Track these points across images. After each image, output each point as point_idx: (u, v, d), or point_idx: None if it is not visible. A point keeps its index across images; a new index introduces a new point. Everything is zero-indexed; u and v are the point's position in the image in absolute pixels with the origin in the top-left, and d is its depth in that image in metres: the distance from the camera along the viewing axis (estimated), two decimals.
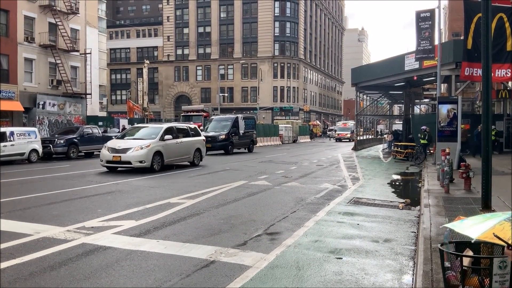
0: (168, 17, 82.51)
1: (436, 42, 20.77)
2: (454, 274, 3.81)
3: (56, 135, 27.09)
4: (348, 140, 55.75)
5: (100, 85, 60.59)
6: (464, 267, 3.63)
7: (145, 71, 50.39)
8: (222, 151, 29.27)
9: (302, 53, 78.84)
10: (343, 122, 68.88)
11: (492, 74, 8.55)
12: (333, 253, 6.43)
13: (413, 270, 5.74)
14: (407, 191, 14.31)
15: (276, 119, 67.72)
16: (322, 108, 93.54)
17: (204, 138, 21.48)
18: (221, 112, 54.51)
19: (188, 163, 19.90)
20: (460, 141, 17.79)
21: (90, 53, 39.54)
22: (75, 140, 25.67)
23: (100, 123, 35.18)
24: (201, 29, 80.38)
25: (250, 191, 12.42)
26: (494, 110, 28.90)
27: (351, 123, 61.36)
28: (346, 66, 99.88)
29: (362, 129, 49.39)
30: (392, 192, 13.27)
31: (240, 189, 12.70)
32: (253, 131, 34.08)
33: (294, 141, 54.85)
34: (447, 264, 3.86)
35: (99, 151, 28.70)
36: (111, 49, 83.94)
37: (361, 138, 43.60)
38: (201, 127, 30.77)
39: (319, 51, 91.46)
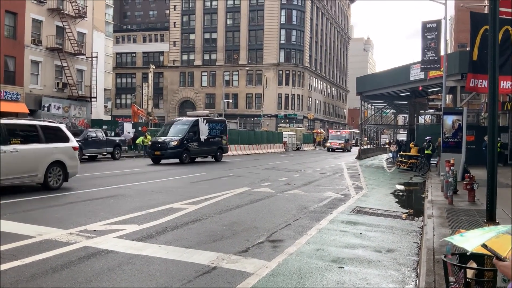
0: (174, 22, 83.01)
1: (442, 53, 20.79)
2: (457, 286, 3.79)
3: None
4: (342, 150, 51.86)
5: (105, 89, 60.84)
6: (467, 279, 3.61)
7: (150, 75, 50.70)
8: (177, 160, 25.24)
9: (307, 61, 79.03)
10: (336, 130, 66.68)
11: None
12: (335, 262, 6.40)
13: (416, 281, 5.70)
14: (411, 201, 14.24)
15: (280, 127, 67.76)
16: (326, 117, 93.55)
17: (74, 145, 13.94)
18: (226, 118, 54.27)
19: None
20: (464, 153, 17.73)
21: (96, 57, 39.77)
22: (79, 143, 25.65)
23: (105, 127, 35.25)
24: (207, 35, 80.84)
25: (253, 198, 12.40)
26: (499, 122, 28.82)
27: (345, 133, 60.36)
28: (351, 75, 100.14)
29: (366, 138, 49.21)
30: (396, 202, 13.20)
31: (242, 196, 12.69)
32: (221, 137, 29.38)
33: (298, 149, 54.85)
34: (451, 279, 3.84)
35: (103, 155, 29.45)
36: (117, 53, 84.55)
37: (365, 147, 43.50)
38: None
39: (324, 59, 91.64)
